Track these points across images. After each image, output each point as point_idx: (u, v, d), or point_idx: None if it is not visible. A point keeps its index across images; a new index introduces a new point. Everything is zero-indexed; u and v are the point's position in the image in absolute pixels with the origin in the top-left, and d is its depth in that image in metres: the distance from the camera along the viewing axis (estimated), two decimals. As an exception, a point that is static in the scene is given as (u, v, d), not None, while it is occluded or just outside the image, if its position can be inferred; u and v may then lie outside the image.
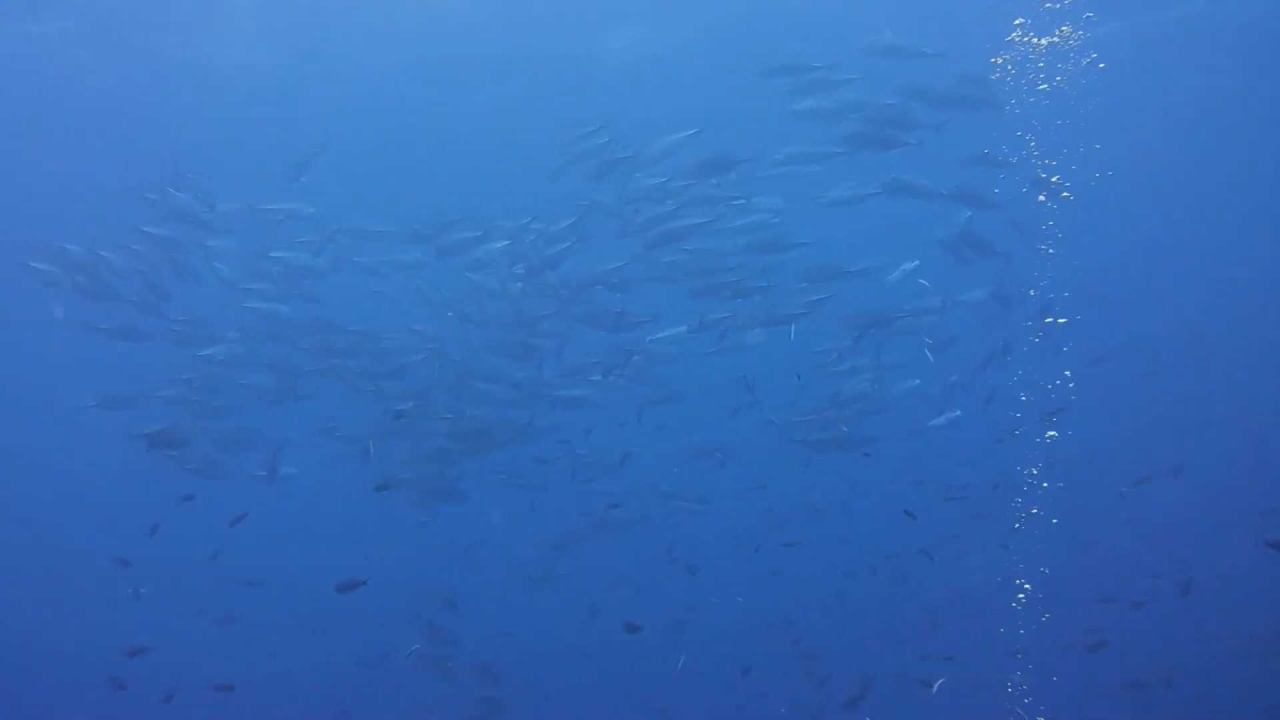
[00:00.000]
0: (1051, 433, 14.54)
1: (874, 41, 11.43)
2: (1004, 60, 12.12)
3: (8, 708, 21.75)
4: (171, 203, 12.37)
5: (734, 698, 19.72)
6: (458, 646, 15.65)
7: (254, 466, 13.80)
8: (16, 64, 14.94)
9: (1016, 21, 12.03)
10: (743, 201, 11.41)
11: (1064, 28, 12.42)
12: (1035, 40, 12.18)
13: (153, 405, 13.11)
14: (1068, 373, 15.86)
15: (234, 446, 13.41)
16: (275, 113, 16.15)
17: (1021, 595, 15.69)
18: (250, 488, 13.94)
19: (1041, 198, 12.82)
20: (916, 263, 12.21)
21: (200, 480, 13.36)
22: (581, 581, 18.86)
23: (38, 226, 15.11)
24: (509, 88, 16.47)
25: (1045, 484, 15.77)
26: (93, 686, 14.51)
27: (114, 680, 13.05)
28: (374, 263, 13.74)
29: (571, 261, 12.55)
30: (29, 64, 14.94)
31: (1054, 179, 12.77)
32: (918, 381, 12.30)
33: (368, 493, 11.99)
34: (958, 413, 12.62)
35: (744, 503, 18.90)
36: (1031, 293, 14.56)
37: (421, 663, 15.66)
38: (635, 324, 12.88)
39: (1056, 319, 14.16)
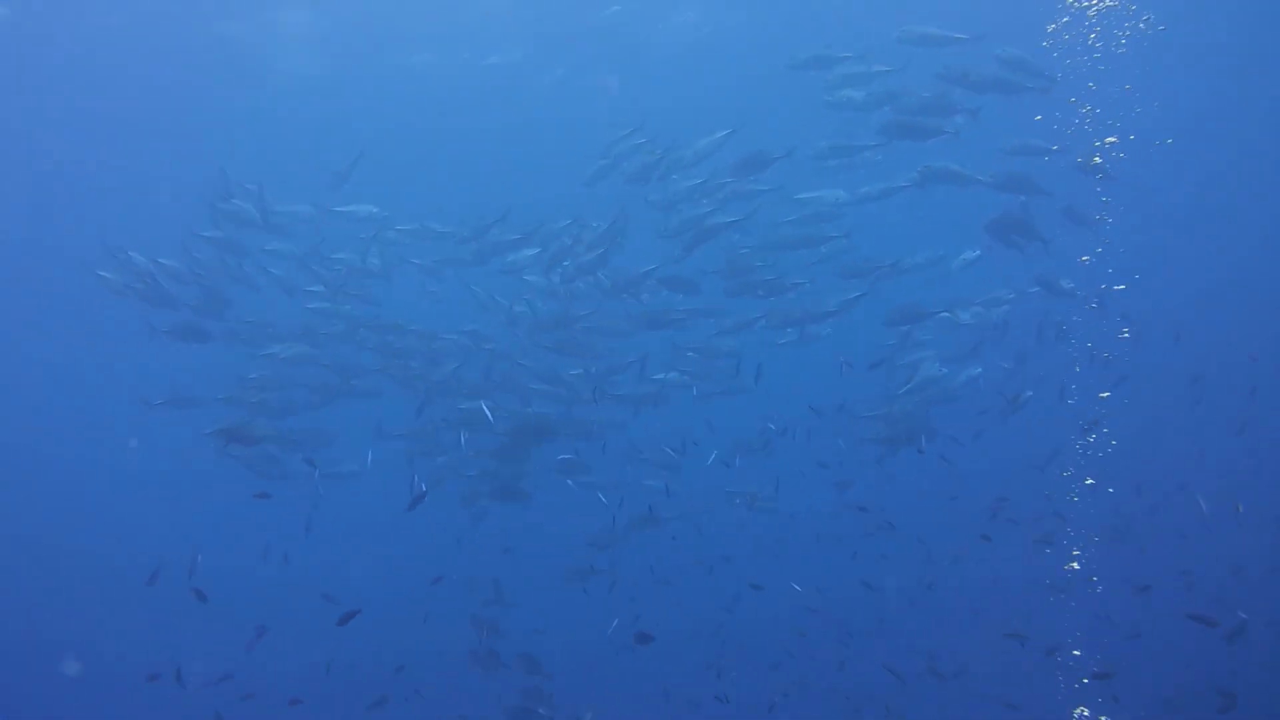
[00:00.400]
0: (1105, 394, 14.32)
1: (908, 30, 11.35)
2: (1057, 26, 11.88)
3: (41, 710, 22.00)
4: (228, 208, 12.54)
5: (769, 695, 19.57)
6: (503, 639, 15.65)
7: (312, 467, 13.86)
8: (69, 62, 14.99)
9: None
10: (803, 197, 11.39)
11: None
12: (1088, 2, 11.92)
13: (212, 407, 13.25)
14: (1125, 338, 15.37)
15: (292, 446, 13.51)
16: (328, 116, 16.32)
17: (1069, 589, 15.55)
18: (308, 489, 14.04)
19: (1097, 159, 12.49)
20: (978, 252, 12.07)
21: (262, 481, 13.52)
22: (622, 577, 18.82)
23: (93, 231, 15.28)
24: (555, 78, 16.44)
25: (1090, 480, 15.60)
26: (134, 684, 14.64)
27: (153, 676, 13.25)
28: (429, 263, 13.85)
29: (621, 259, 12.55)
30: (81, 62, 14.92)
31: (1110, 140, 12.47)
32: (979, 370, 12.17)
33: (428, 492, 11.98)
34: (1030, 393, 12.44)
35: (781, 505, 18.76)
36: (1085, 259, 14.26)
37: (469, 657, 15.68)
38: (680, 319, 12.83)
39: (1113, 287, 13.92)
